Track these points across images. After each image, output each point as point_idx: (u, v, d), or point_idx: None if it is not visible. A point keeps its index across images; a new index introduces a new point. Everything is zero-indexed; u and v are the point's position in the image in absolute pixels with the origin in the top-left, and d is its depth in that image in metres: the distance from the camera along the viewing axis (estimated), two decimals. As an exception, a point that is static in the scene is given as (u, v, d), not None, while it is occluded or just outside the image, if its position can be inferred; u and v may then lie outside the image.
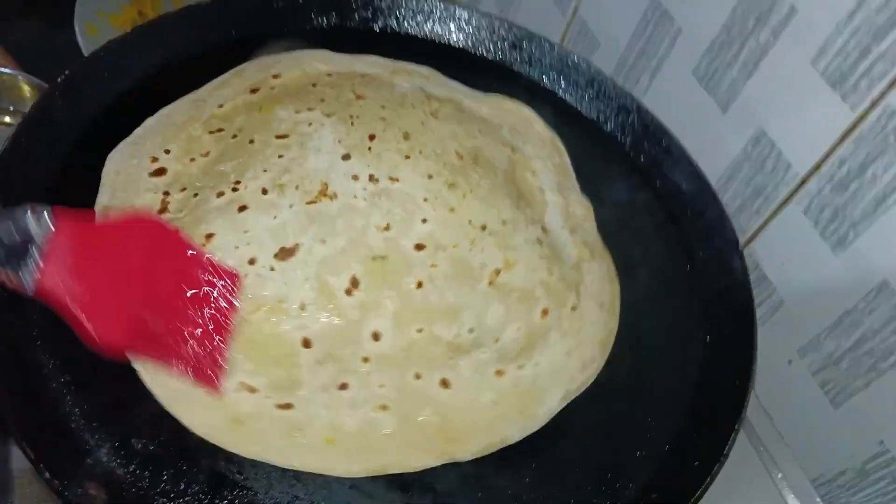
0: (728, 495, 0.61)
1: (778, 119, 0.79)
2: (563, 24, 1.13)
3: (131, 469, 0.53)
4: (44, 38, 1.10)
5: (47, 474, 0.49)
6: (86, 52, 0.98)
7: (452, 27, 0.89)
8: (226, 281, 0.59)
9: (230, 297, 0.58)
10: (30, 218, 0.52)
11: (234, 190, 0.64)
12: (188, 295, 0.57)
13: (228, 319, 0.58)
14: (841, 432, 0.76)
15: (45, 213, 0.53)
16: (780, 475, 0.80)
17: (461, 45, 0.90)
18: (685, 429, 0.64)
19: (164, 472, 0.53)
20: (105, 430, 0.54)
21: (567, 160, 0.82)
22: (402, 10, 0.89)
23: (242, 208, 0.63)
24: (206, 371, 0.56)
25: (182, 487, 0.53)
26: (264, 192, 0.64)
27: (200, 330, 0.56)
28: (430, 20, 0.89)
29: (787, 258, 0.81)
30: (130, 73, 0.74)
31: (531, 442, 0.61)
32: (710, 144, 0.86)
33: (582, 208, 0.77)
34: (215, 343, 0.57)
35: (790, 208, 0.79)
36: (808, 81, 0.74)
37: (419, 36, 0.89)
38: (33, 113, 0.65)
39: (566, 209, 0.76)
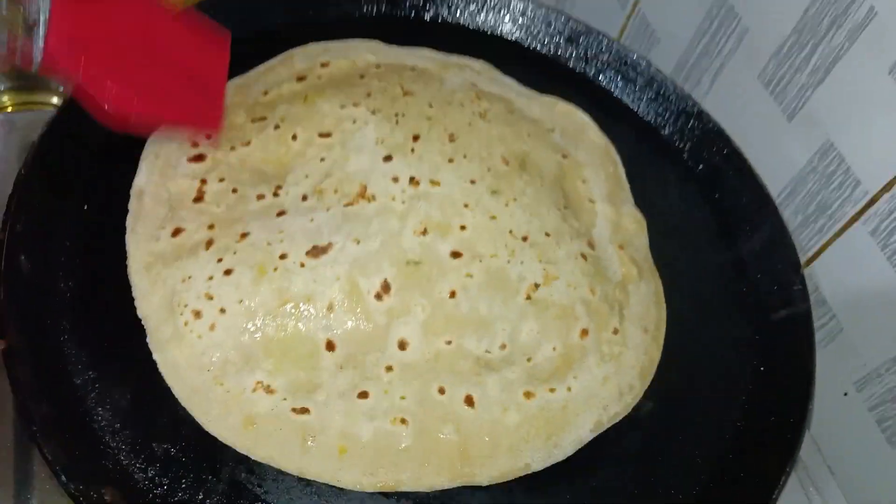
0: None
1: (848, 131, 0.73)
2: (621, 17, 1.07)
3: (150, 475, 0.52)
4: None
5: (64, 478, 0.48)
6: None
7: (507, 18, 0.86)
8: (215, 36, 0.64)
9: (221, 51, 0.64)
10: None
11: (276, 195, 0.63)
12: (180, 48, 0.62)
13: (221, 67, 0.64)
14: (895, 472, 0.71)
15: None
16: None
17: (514, 38, 0.86)
18: (729, 469, 0.59)
19: (184, 480, 0.52)
20: (126, 432, 0.53)
21: (621, 170, 0.78)
22: (455, 0, 0.86)
23: (281, 213, 0.62)
24: (206, 114, 0.62)
25: (201, 497, 0.51)
26: (304, 198, 0.63)
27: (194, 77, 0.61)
28: (484, 10, 0.86)
29: (849, 282, 0.75)
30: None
31: (558, 470, 0.58)
32: (773, 155, 0.81)
33: (634, 223, 0.73)
34: (212, 86, 0.62)
35: (856, 228, 0.73)
36: (884, 92, 0.67)
37: (471, 27, 0.86)
38: (53, 124, 0.64)
39: (617, 222, 0.72)
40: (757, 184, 0.74)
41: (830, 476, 0.76)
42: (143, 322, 0.56)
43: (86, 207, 0.62)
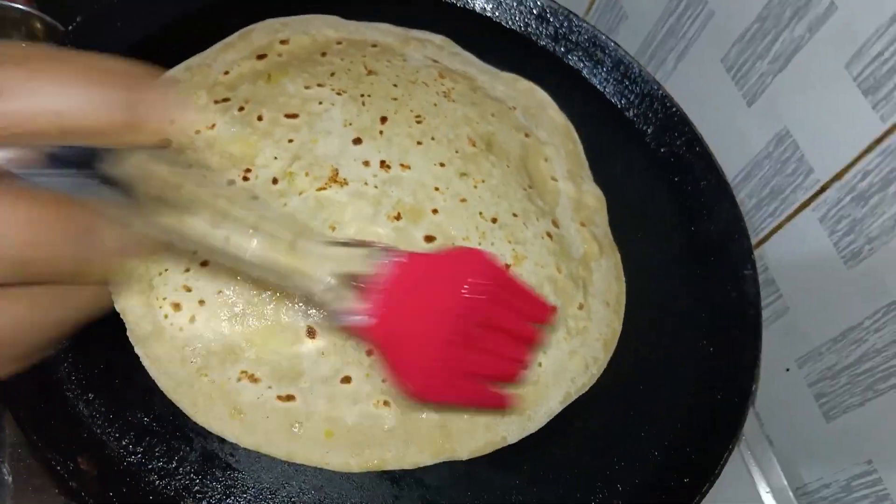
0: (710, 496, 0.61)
1: (804, 120, 0.77)
2: None
3: (124, 443, 0.52)
4: None
5: (40, 445, 0.49)
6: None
7: None
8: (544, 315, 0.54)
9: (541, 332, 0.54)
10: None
11: (245, 178, 0.62)
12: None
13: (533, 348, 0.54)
14: (830, 446, 0.77)
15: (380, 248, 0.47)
16: (763, 481, 0.80)
17: (486, 13, 0.86)
18: (679, 441, 0.64)
19: (157, 449, 0.53)
20: (100, 402, 0.53)
21: (580, 148, 0.80)
22: None
23: (253, 199, 0.61)
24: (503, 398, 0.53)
25: (174, 465, 0.53)
26: (274, 181, 0.62)
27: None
28: None
29: (797, 265, 0.80)
30: (144, 23, 0.71)
31: (525, 442, 0.61)
32: (732, 138, 0.84)
33: (594, 200, 0.76)
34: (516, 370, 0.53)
35: (806, 214, 0.78)
36: (840, 85, 0.71)
37: (445, 0, 0.86)
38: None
39: (579, 199, 0.75)
40: (716, 170, 0.77)
41: (769, 447, 0.82)
42: (121, 317, 0.56)
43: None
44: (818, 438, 0.78)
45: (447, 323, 0.48)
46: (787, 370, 0.81)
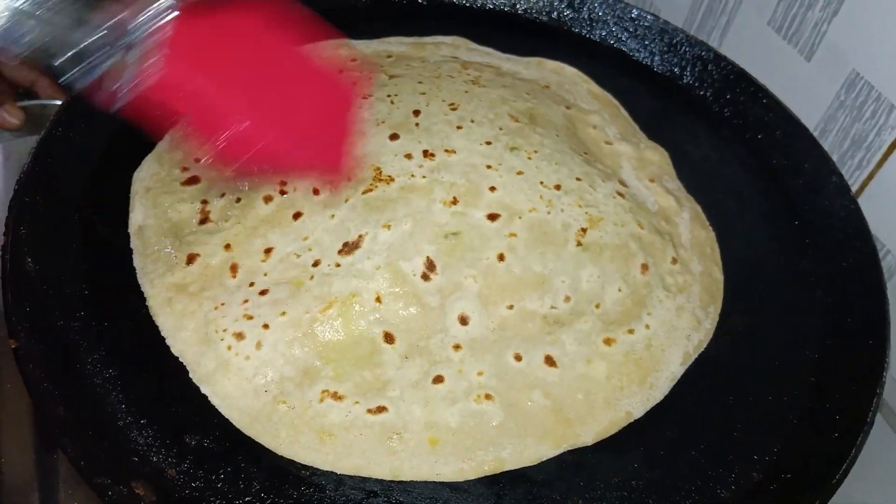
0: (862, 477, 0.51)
1: (874, 57, 0.71)
2: None
3: (183, 468, 0.46)
4: None
5: (87, 471, 0.43)
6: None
7: None
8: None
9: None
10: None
11: (283, 193, 0.58)
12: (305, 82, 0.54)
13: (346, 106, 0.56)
14: None
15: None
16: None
17: (515, 9, 0.82)
18: (816, 396, 0.55)
19: (221, 471, 0.46)
20: (154, 427, 0.48)
21: (625, 112, 0.74)
22: None
23: (297, 216, 0.56)
24: (331, 158, 0.54)
25: (241, 486, 0.46)
26: (315, 192, 0.58)
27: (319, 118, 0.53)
28: None
29: None
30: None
31: (637, 420, 0.53)
32: (797, 97, 0.78)
33: (657, 155, 0.70)
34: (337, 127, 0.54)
35: None
36: None
37: (467, 4, 0.82)
38: (52, 129, 0.59)
39: (640, 157, 0.69)
40: (789, 116, 0.71)
41: None
42: (180, 359, 0.50)
43: (90, 210, 0.58)
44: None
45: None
46: None
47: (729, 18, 0.89)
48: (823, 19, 0.75)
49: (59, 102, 0.90)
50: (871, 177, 0.75)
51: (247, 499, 0.45)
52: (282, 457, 0.47)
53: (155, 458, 0.46)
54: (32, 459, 0.52)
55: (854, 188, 0.77)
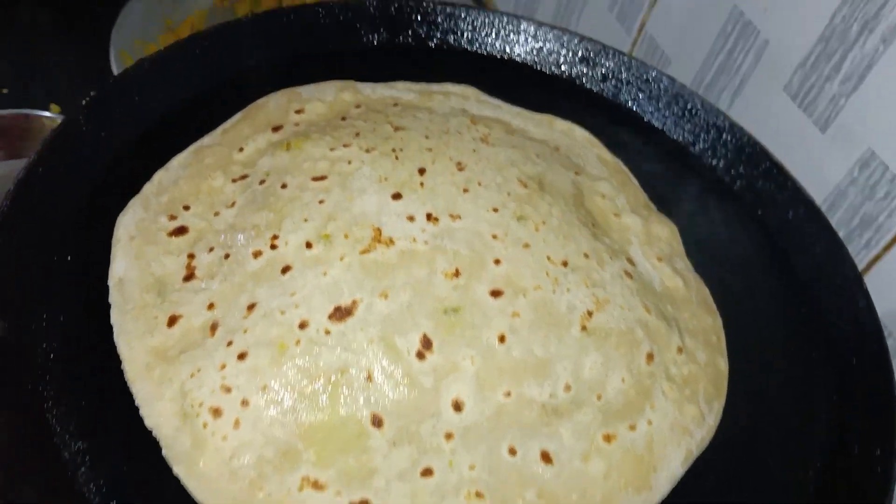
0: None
1: (891, 138, 0.69)
2: (627, 41, 1.04)
3: None
4: (80, 66, 1.06)
5: None
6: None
7: (516, 41, 0.80)
8: None
9: None
10: None
11: (273, 247, 0.54)
12: None
13: None
14: None
15: None
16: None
17: (526, 61, 0.80)
18: (825, 490, 0.53)
19: None
20: None
21: (636, 182, 0.72)
22: (461, 24, 0.79)
23: (286, 269, 0.53)
24: None
25: None
26: (308, 246, 0.54)
27: None
28: (493, 34, 0.79)
29: None
30: (155, 105, 0.65)
31: None
32: (808, 169, 0.76)
33: (666, 231, 0.67)
34: None
35: None
36: None
37: (480, 52, 0.80)
38: (31, 168, 0.56)
39: (648, 232, 0.66)
40: (803, 197, 0.68)
41: None
42: (153, 434, 0.47)
43: (68, 259, 0.54)
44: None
45: None
46: None
47: (742, 80, 0.87)
48: (842, 93, 0.74)
49: (43, 113, 0.87)
50: (877, 258, 0.74)
51: None
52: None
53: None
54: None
55: (861, 267, 0.75)
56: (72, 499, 0.44)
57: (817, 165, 0.77)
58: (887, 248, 0.72)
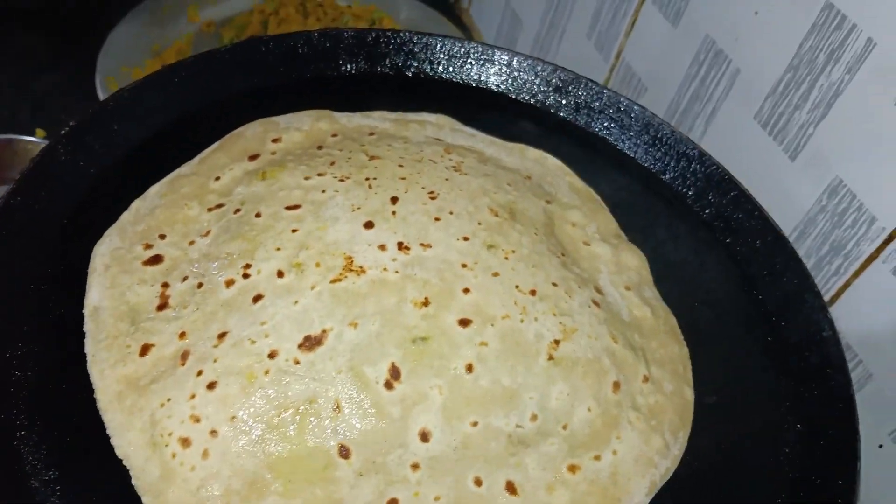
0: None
1: (858, 166, 0.70)
2: (605, 68, 1.06)
3: None
4: (66, 91, 1.09)
5: None
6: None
7: (492, 70, 0.81)
8: None
9: None
10: None
11: (245, 276, 0.55)
12: None
13: None
14: None
15: None
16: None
17: (501, 90, 0.81)
18: None
19: None
20: None
21: (607, 210, 0.73)
22: (437, 54, 0.80)
23: (257, 298, 0.54)
24: None
25: None
26: (280, 275, 0.55)
27: None
28: (468, 63, 0.81)
29: (874, 325, 0.71)
30: (137, 127, 0.66)
31: None
32: (778, 196, 0.77)
33: (635, 260, 0.68)
34: None
35: (876, 267, 0.70)
36: (893, 124, 0.65)
37: (455, 80, 0.81)
38: (10, 197, 0.57)
39: (617, 261, 0.67)
40: (770, 227, 0.69)
41: None
42: (124, 463, 0.48)
43: (44, 287, 0.55)
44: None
45: None
46: (881, 446, 0.70)
47: (715, 107, 0.89)
48: (811, 121, 0.75)
49: (28, 139, 0.88)
50: (847, 285, 0.75)
51: None
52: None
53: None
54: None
55: (829, 294, 0.76)
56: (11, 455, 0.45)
57: (788, 193, 0.79)
58: (856, 274, 0.74)
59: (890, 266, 0.69)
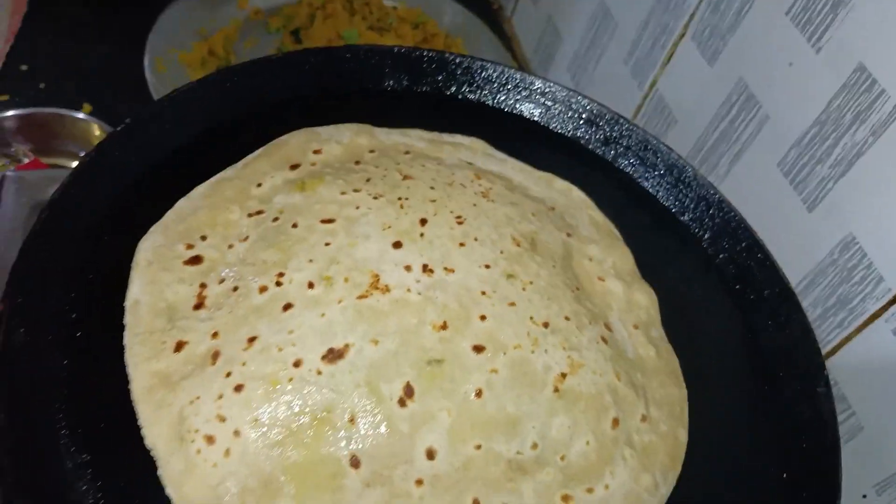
0: None
1: (871, 226, 0.73)
2: (638, 96, 1.08)
3: None
4: (114, 67, 1.12)
5: None
6: (152, 88, 1.01)
7: (527, 98, 0.84)
8: None
9: None
10: None
11: (278, 284, 0.59)
12: None
13: None
14: None
15: None
16: None
17: (534, 118, 0.84)
18: None
19: None
20: None
21: (625, 247, 0.76)
22: (476, 78, 0.83)
23: (287, 307, 0.57)
24: None
25: None
26: (311, 286, 0.59)
27: None
28: (505, 90, 0.84)
29: (870, 380, 0.73)
30: (186, 129, 0.70)
31: None
32: (793, 244, 0.80)
33: (646, 299, 0.71)
34: None
35: (878, 325, 0.72)
36: None
37: (491, 105, 0.84)
38: (61, 191, 0.60)
39: (629, 300, 0.70)
40: (780, 279, 0.72)
41: None
42: (151, 453, 0.51)
43: (90, 278, 0.58)
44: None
45: None
46: (864, 497, 0.73)
47: (741, 148, 0.91)
48: (830, 177, 0.78)
49: (76, 114, 0.92)
50: (848, 338, 0.77)
51: None
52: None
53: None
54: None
55: (831, 345, 0.79)
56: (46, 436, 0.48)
57: (802, 242, 0.81)
58: (858, 330, 0.76)
59: (892, 326, 0.72)
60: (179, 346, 0.56)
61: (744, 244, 0.76)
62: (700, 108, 0.97)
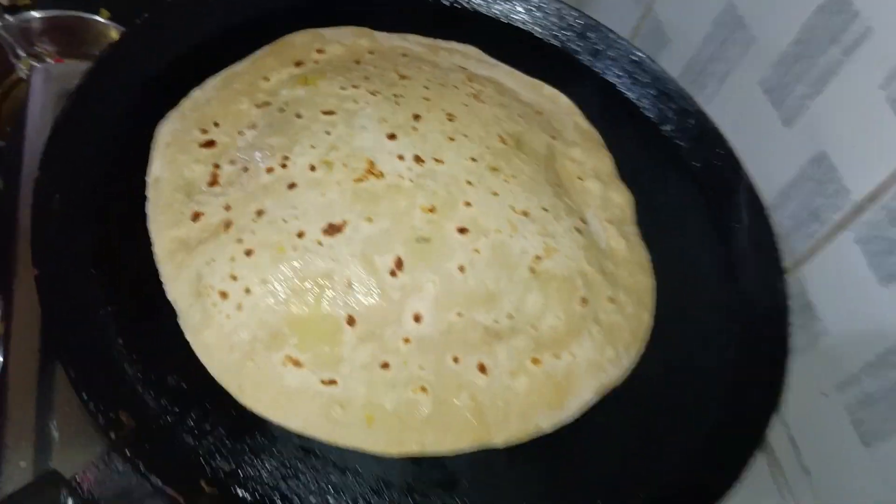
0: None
1: (841, 142, 0.77)
2: (636, 16, 1.11)
3: (162, 403, 0.55)
4: None
5: (85, 396, 0.51)
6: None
7: (521, 9, 0.89)
8: None
9: None
10: None
11: (283, 166, 0.65)
12: None
13: None
14: (869, 474, 0.74)
15: None
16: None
17: (527, 29, 0.89)
18: (703, 447, 0.63)
19: (192, 410, 0.55)
20: (143, 363, 0.56)
21: (606, 152, 0.81)
22: None
23: (292, 186, 0.64)
24: None
25: (207, 427, 0.55)
26: (312, 168, 0.65)
27: None
28: (499, 1, 0.89)
29: (835, 287, 0.78)
30: (198, 30, 0.75)
31: (546, 437, 0.61)
32: (770, 158, 0.84)
33: (622, 198, 0.77)
34: None
35: (843, 235, 0.76)
36: (875, 107, 0.71)
37: (486, 14, 0.89)
38: (86, 80, 0.66)
39: (605, 198, 0.76)
40: (748, 184, 0.77)
41: (805, 476, 0.79)
42: (173, 305, 0.59)
43: (116, 157, 0.65)
44: (857, 466, 0.75)
45: None
46: (826, 396, 0.78)
47: (728, 69, 0.93)
48: (807, 95, 0.81)
49: (95, 17, 0.97)
50: (817, 248, 0.82)
51: (210, 438, 0.54)
52: (243, 406, 0.56)
53: (140, 390, 0.54)
54: (36, 369, 0.60)
55: (802, 254, 0.83)
56: (101, 348, 0.56)
57: (779, 156, 0.84)
58: (825, 239, 0.81)
59: (854, 235, 0.75)
60: (196, 217, 0.62)
61: (719, 153, 0.81)
62: (693, 30, 0.98)
